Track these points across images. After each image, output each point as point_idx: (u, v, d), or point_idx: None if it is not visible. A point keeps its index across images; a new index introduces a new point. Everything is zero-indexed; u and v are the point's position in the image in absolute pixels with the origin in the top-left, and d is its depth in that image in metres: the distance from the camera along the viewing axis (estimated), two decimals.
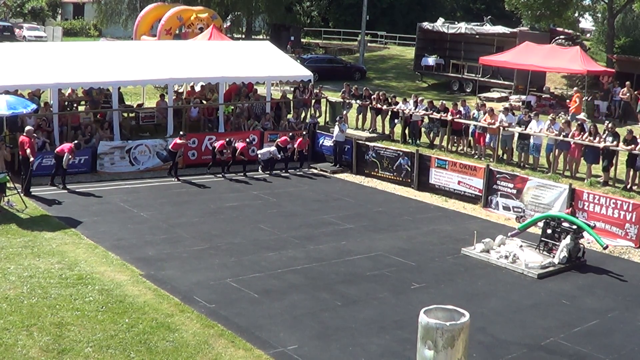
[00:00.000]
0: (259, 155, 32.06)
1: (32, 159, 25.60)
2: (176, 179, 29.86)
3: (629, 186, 28.32)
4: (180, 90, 39.60)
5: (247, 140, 32.34)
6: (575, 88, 46.16)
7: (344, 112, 38.36)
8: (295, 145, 32.72)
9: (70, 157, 26.92)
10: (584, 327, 17.65)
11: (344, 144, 33.45)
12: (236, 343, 15.23)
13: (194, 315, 16.49)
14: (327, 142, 34.19)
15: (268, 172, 31.90)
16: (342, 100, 38.75)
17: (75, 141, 28.15)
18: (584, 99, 42.93)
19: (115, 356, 14.24)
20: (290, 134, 33.34)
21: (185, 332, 15.57)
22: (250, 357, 14.68)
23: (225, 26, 64.32)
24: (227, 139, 31.30)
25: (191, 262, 20.15)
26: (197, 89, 39.40)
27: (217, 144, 31.24)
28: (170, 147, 30.30)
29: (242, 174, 31.27)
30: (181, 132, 31.28)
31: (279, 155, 32.20)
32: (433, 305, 10.96)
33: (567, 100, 45.08)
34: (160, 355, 14.42)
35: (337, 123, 34.23)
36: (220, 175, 30.71)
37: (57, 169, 27.32)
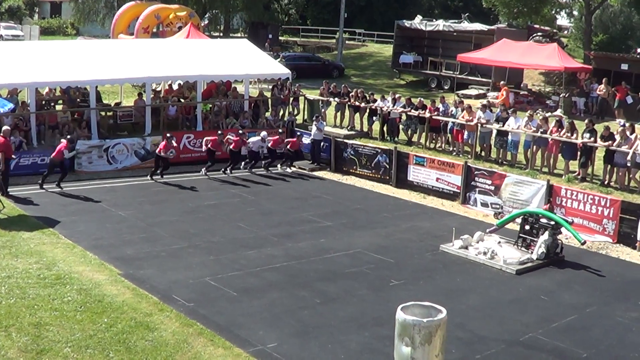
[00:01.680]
0: (250, 144, 31.89)
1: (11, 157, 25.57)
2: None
3: (606, 182, 28.49)
4: (158, 89, 39.43)
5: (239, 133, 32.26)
6: (502, 82, 46.22)
7: (322, 110, 38.43)
8: (289, 146, 32.54)
9: (70, 152, 27.32)
10: (563, 322, 17.72)
11: (321, 142, 33.40)
12: (215, 341, 15.20)
13: (173, 314, 16.45)
14: (306, 140, 34.14)
15: (247, 169, 31.89)
16: (320, 97, 38.75)
17: (68, 136, 28.20)
18: (561, 96, 43.13)
19: (94, 356, 14.19)
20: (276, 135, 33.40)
21: (164, 331, 15.53)
22: (229, 355, 14.66)
23: (203, 24, 64.15)
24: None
25: (170, 261, 20.10)
26: (175, 87, 39.33)
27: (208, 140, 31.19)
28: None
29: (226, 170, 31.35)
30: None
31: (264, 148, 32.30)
32: (412, 302, 10.99)
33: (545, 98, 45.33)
34: (139, 355, 14.38)
35: (314, 121, 34.23)
36: (202, 173, 30.61)
37: (54, 169, 27.36)
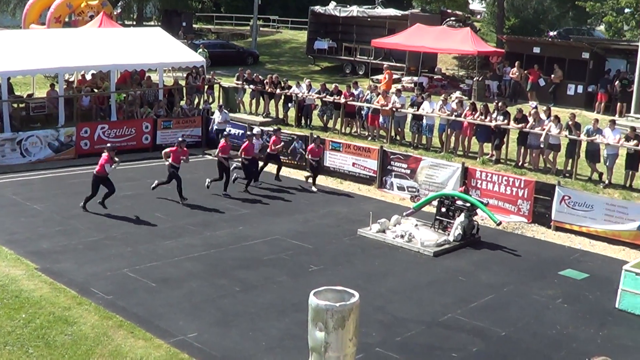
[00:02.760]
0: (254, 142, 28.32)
1: None
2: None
3: (520, 163, 28.88)
4: (71, 79, 38.87)
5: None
6: (385, 64, 46.58)
7: (239, 99, 38.29)
8: (309, 155, 28.62)
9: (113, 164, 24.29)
10: (481, 302, 17.99)
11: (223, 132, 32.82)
12: (135, 333, 15.13)
13: (92, 307, 16.31)
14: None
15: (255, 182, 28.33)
16: (235, 85, 38.59)
17: (108, 144, 25.86)
18: (474, 79, 43.56)
19: (13, 352, 14.00)
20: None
21: (83, 324, 15.39)
22: (150, 346, 14.59)
23: (115, 13, 63.33)
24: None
25: (87, 253, 19.89)
26: (89, 77, 38.74)
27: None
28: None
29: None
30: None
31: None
32: (332, 286, 11.02)
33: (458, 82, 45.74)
34: (59, 350, 14.22)
35: (217, 109, 33.96)
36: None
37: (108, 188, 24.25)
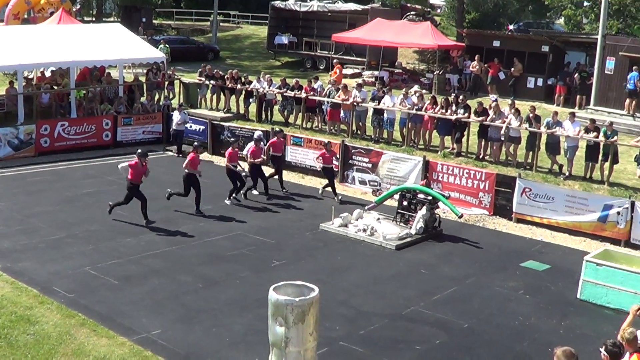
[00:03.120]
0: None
1: None
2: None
3: (481, 156, 29.03)
4: (30, 77, 38.61)
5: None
6: (335, 60, 46.61)
7: (201, 96, 38.16)
8: (320, 161, 26.66)
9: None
10: (444, 294, 18.07)
11: (183, 133, 32.87)
12: (98, 331, 15.06)
13: (54, 306, 16.21)
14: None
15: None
16: (198, 81, 38.42)
17: (139, 150, 23.49)
18: (435, 73, 43.70)
19: None
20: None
21: (46, 324, 15.30)
22: (113, 344, 14.53)
23: (75, 9, 62.96)
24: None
25: (48, 252, 19.75)
26: (48, 74, 38.50)
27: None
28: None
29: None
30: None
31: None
32: (292, 281, 11.02)
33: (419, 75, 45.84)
34: (21, 350, 14.13)
35: (177, 110, 33.26)
36: (75, 161, 30.06)
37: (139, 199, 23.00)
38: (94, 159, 30.70)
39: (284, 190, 27.03)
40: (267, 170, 27.26)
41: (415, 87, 39.12)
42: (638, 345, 11.58)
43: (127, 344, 14.61)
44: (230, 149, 25.86)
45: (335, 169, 27.94)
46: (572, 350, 9.19)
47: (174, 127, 32.73)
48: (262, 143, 26.96)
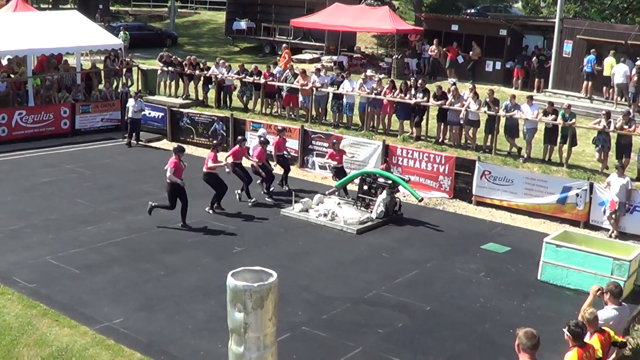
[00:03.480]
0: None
1: None
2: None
3: (440, 140, 29.11)
4: None
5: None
6: (284, 45, 46.46)
7: (163, 82, 37.87)
8: (332, 161, 25.32)
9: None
10: (405, 277, 18.12)
11: (140, 121, 32.06)
12: (60, 321, 14.95)
13: (15, 297, 16.06)
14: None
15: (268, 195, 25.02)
16: (159, 68, 38.15)
17: (176, 145, 23.49)
18: (393, 57, 43.76)
19: None
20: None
21: (7, 314, 15.17)
22: (76, 334, 14.43)
23: None
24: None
25: (7, 242, 19.53)
26: (4, 62, 38.02)
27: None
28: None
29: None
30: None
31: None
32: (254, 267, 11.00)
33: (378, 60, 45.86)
34: None
35: (133, 97, 32.08)
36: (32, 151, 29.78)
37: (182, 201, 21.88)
38: (53, 148, 30.43)
39: (285, 187, 25.90)
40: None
41: (368, 72, 39.13)
42: (598, 325, 11.72)
43: (89, 333, 14.51)
44: (237, 147, 24.66)
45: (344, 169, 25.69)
46: (534, 332, 9.25)
47: (130, 115, 31.68)
48: (267, 145, 25.35)
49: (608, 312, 12.65)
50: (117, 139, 32.43)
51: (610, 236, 21.41)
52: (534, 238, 21.00)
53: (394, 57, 43.92)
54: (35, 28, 35.80)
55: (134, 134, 31.85)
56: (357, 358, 13.98)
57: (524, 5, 56.11)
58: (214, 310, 15.58)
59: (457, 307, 16.61)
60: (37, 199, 23.64)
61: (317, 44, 50.66)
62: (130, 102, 31.81)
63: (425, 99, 29.00)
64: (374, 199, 22.83)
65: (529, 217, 23.47)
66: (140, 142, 31.69)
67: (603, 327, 11.86)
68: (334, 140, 26.01)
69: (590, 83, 35.26)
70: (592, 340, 11.23)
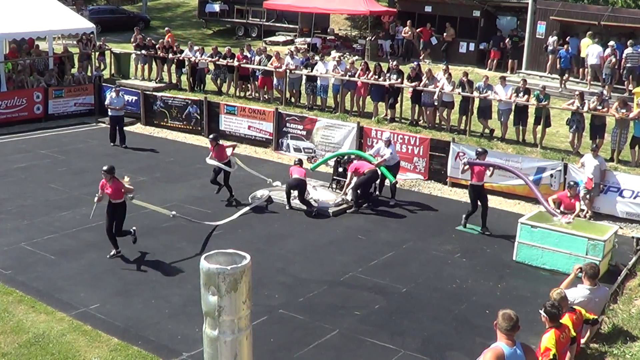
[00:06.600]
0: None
1: None
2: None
3: (414, 121, 29.11)
4: None
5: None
6: (167, 28, 46.22)
7: (136, 64, 37.64)
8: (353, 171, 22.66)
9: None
10: (381, 259, 18.18)
11: (123, 118, 29.77)
12: (37, 308, 14.92)
13: None
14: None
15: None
16: (129, 51, 37.93)
17: (211, 135, 23.41)
18: (367, 39, 43.72)
19: None
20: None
21: None
22: (52, 320, 14.40)
23: None
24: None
25: None
26: None
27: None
28: None
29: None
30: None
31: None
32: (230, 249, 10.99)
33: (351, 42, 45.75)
34: None
35: (114, 91, 29.70)
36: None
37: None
38: (26, 133, 30.28)
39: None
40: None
41: (333, 53, 39.14)
42: (568, 305, 11.82)
43: (66, 319, 14.49)
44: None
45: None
46: (512, 314, 9.28)
47: (110, 112, 29.20)
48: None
49: (577, 291, 12.78)
50: (90, 123, 32.28)
51: (585, 216, 21.52)
52: (508, 219, 21.11)
53: (367, 39, 43.90)
54: (5, 12, 35.45)
55: (117, 136, 29.22)
56: (334, 340, 14.02)
57: None
58: (190, 293, 15.56)
59: (433, 288, 16.67)
60: (10, 184, 23.51)
61: (291, 26, 50.51)
62: (112, 96, 29.28)
63: (400, 80, 29.00)
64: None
65: (504, 198, 23.57)
66: (127, 147, 29.09)
67: (574, 306, 11.98)
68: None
69: (554, 61, 35.20)
70: (564, 319, 11.32)
